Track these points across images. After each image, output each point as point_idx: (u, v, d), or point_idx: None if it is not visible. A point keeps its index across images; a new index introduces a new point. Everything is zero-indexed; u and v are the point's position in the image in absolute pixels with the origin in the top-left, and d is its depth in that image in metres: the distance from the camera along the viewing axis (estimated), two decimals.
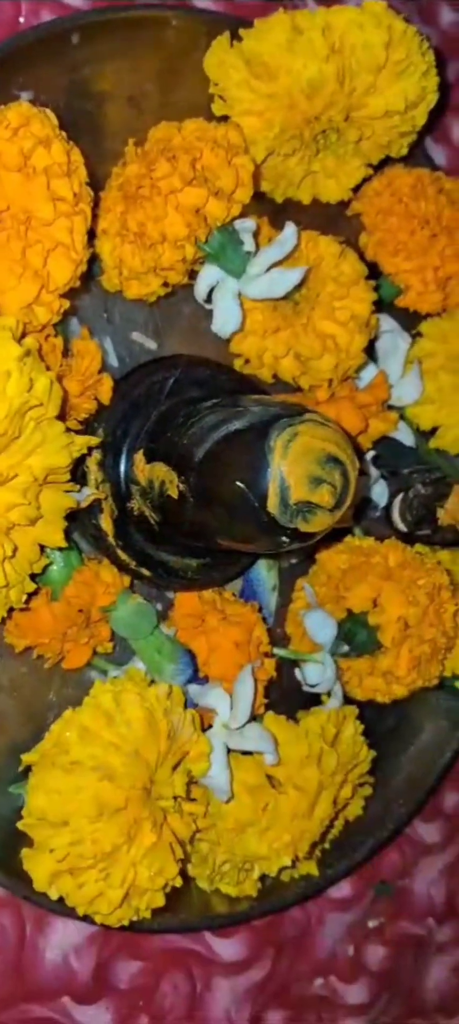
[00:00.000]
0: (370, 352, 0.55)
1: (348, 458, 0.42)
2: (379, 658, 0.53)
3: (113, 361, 0.51)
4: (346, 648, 0.53)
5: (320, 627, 0.52)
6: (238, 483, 0.41)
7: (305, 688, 0.53)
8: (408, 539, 0.56)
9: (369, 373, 0.56)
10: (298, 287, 0.50)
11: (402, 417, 0.58)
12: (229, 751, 0.48)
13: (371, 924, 0.64)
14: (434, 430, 0.59)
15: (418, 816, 0.63)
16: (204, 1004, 0.56)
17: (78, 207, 0.40)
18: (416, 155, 0.57)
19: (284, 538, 0.42)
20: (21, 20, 0.50)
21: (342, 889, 0.62)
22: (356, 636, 0.53)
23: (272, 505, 0.40)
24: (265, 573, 0.56)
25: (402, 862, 0.65)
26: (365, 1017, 0.63)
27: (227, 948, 0.57)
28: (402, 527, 0.56)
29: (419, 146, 0.56)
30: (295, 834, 0.49)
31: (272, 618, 0.56)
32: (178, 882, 0.44)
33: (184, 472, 0.44)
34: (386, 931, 0.65)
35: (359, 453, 0.51)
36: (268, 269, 0.49)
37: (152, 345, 0.52)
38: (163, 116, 0.49)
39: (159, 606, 0.52)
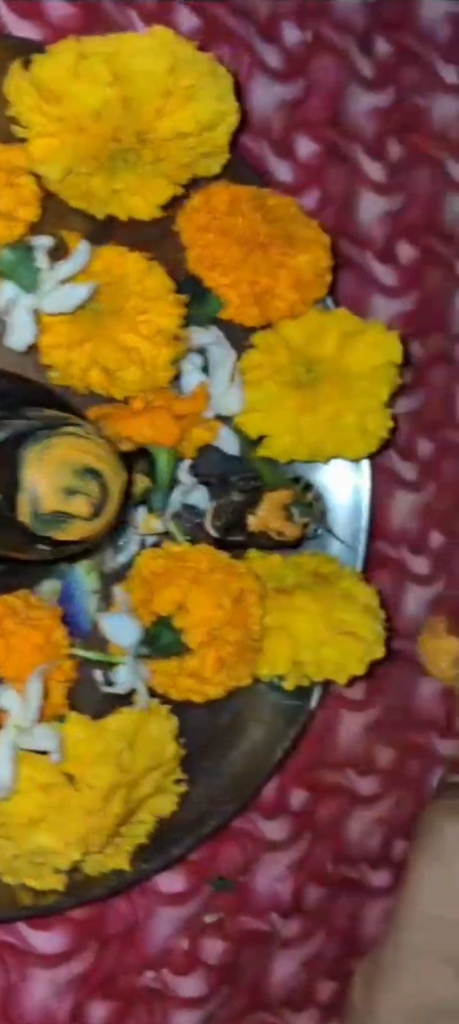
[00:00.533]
0: None
1: (110, 468, 0.44)
2: (187, 660, 0.55)
3: None
4: (146, 651, 0.54)
5: (119, 630, 0.54)
6: None
7: (103, 689, 0.54)
8: (226, 545, 0.58)
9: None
10: (91, 300, 0.51)
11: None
12: (19, 750, 0.50)
13: (208, 919, 0.65)
14: (262, 439, 0.61)
15: (249, 812, 0.65)
16: (19, 994, 0.58)
17: None
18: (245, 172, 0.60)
19: (42, 546, 0.44)
20: None
21: (174, 884, 0.64)
22: (160, 638, 0.55)
23: (23, 514, 0.42)
24: (84, 576, 0.58)
25: (243, 859, 0.67)
26: (202, 1010, 0.65)
27: (44, 940, 0.59)
28: (213, 533, 0.57)
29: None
30: (86, 829, 0.50)
31: (91, 621, 0.58)
32: None
33: None
34: (226, 926, 0.66)
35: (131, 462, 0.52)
36: (62, 283, 0.51)
37: None
38: None
39: None
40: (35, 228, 0.53)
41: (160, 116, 0.51)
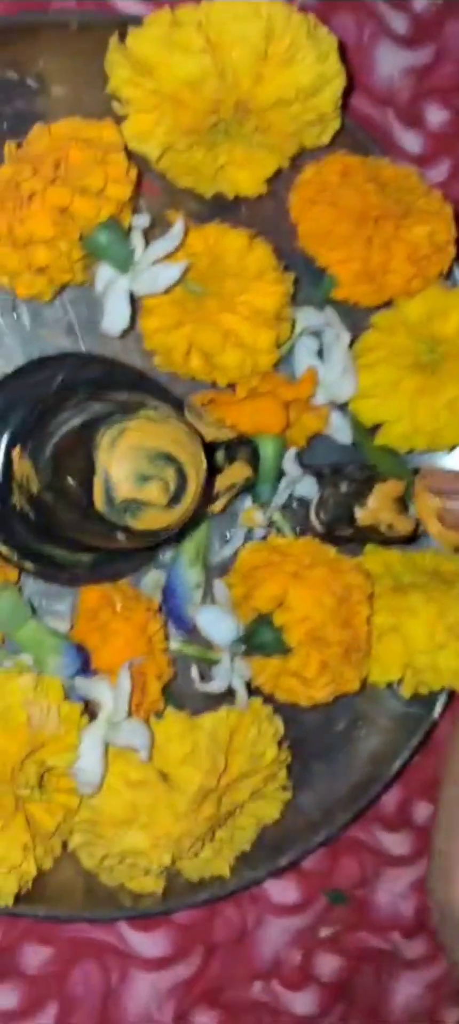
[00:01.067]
0: None
1: (188, 454, 0.42)
2: (289, 659, 0.52)
3: (21, 361, 0.52)
4: (243, 648, 0.52)
5: (213, 625, 0.52)
6: (69, 481, 0.42)
7: (198, 687, 0.52)
8: (335, 540, 0.55)
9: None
10: (194, 281, 0.50)
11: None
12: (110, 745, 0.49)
13: (323, 933, 0.62)
14: (378, 427, 0.57)
15: (370, 824, 0.62)
16: (120, 996, 0.56)
17: None
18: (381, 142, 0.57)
19: (120, 535, 0.42)
20: None
21: (287, 894, 0.61)
22: (259, 635, 0.52)
23: (98, 503, 0.41)
24: (187, 569, 0.56)
25: (362, 872, 0.63)
26: None
27: (147, 944, 0.57)
28: (318, 527, 0.54)
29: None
30: (178, 832, 0.49)
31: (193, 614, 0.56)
32: (30, 869, 0.45)
33: (38, 468, 0.45)
34: (342, 941, 0.63)
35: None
36: (154, 264, 0.49)
37: (64, 345, 0.53)
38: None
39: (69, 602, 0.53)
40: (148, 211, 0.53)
41: (259, 82, 0.48)
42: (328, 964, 0.62)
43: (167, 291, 0.49)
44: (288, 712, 0.57)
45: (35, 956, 0.55)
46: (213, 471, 0.53)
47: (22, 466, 0.47)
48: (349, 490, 0.54)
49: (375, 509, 0.54)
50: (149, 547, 0.48)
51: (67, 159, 0.46)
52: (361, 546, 0.58)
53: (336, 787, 0.59)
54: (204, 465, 0.43)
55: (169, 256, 0.49)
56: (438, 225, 0.54)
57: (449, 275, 0.58)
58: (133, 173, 0.48)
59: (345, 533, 0.54)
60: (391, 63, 0.63)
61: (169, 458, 0.41)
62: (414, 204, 0.54)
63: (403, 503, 0.55)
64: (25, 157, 0.47)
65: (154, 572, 0.56)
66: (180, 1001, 0.58)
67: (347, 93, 0.60)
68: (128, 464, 0.40)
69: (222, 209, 0.56)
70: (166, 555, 0.56)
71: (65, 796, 0.47)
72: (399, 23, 0.64)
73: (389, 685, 0.58)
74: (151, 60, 0.47)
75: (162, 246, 0.49)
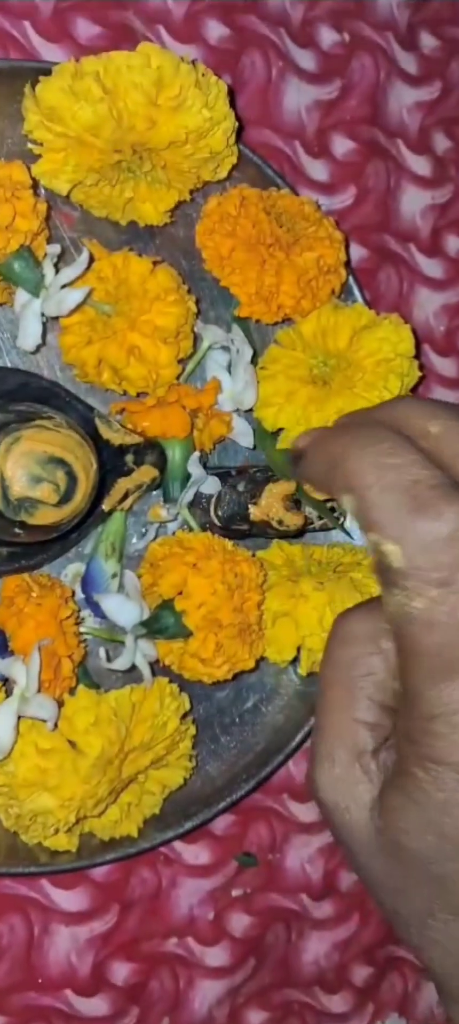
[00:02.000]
0: None
1: (77, 459, 0.48)
2: (189, 642, 0.58)
3: None
4: (145, 631, 0.58)
5: (118, 610, 0.58)
6: None
7: (105, 666, 0.58)
8: (233, 534, 0.61)
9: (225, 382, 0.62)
10: (102, 302, 0.56)
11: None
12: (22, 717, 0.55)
13: (235, 893, 0.68)
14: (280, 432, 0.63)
15: (280, 794, 0.67)
16: (42, 947, 0.62)
17: None
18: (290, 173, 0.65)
19: (17, 530, 0.48)
20: None
21: (199, 856, 0.67)
22: (162, 619, 0.58)
23: None
24: (103, 562, 0.62)
25: (271, 838, 0.69)
26: (227, 980, 0.68)
27: (66, 899, 0.63)
28: (216, 522, 0.60)
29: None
30: (81, 794, 0.54)
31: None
32: None
33: None
34: (252, 901, 0.69)
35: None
36: (63, 287, 0.55)
37: None
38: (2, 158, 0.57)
39: None
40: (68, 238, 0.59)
41: (152, 126, 0.54)
42: (240, 922, 0.68)
43: (75, 312, 0.55)
44: (201, 691, 0.63)
45: None
46: (123, 472, 0.59)
47: None
48: (245, 489, 0.60)
49: (266, 506, 0.60)
50: (51, 539, 0.54)
51: None
52: (269, 540, 0.64)
53: (243, 757, 0.65)
54: (95, 468, 0.49)
55: (78, 280, 0.55)
56: (326, 251, 0.60)
57: (348, 293, 0.64)
58: (41, 208, 0.54)
59: (241, 528, 0.60)
60: (298, 98, 0.69)
61: (60, 462, 0.47)
62: (305, 231, 0.60)
63: (295, 501, 0.61)
64: None
65: (75, 564, 0.62)
66: (98, 952, 0.64)
67: (256, 125, 0.67)
68: (22, 467, 0.46)
69: (137, 236, 0.62)
70: (86, 548, 0.62)
71: None
72: (306, 60, 0.70)
73: (291, 664, 0.64)
74: (57, 107, 0.53)
75: (70, 272, 0.55)
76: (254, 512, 0.60)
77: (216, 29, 0.67)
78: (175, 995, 0.66)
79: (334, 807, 0.42)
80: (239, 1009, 0.68)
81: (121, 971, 0.65)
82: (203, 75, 0.54)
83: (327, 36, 0.70)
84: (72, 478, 0.47)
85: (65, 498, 0.47)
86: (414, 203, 0.72)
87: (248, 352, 0.62)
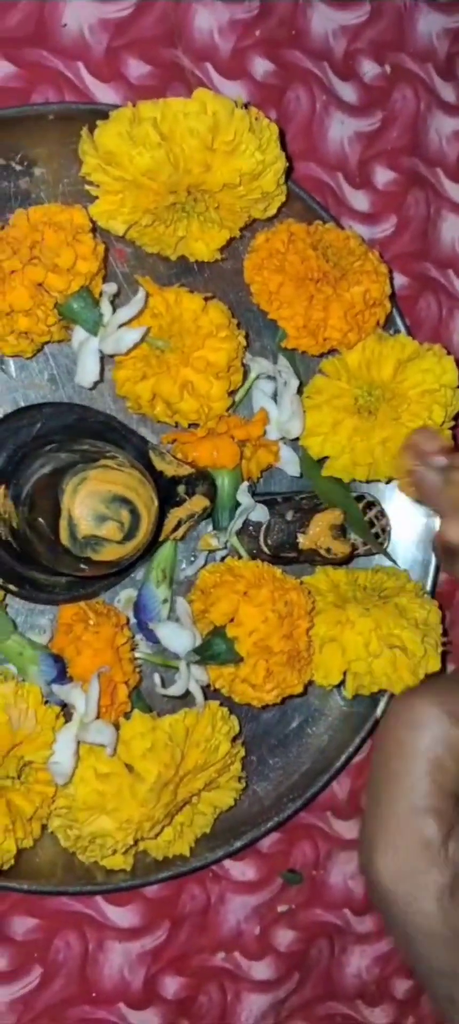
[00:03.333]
0: None
1: (139, 498, 0.49)
2: (240, 668, 0.60)
3: (7, 407, 0.60)
4: (198, 657, 0.59)
5: (172, 638, 0.59)
6: (39, 520, 0.50)
7: (159, 691, 0.60)
8: (282, 561, 0.63)
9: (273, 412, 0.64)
10: (157, 338, 0.57)
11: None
12: (82, 743, 0.56)
13: (280, 909, 0.70)
14: (325, 459, 0.65)
15: (325, 812, 0.69)
16: (97, 962, 0.64)
17: None
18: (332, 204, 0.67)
19: (83, 565, 0.50)
20: None
21: (246, 873, 0.68)
22: (214, 646, 0.60)
23: (63, 539, 0.49)
24: (154, 588, 0.63)
25: (315, 855, 0.71)
26: (272, 993, 0.70)
27: (120, 915, 0.65)
28: (265, 550, 0.62)
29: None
30: (138, 816, 0.56)
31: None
32: (10, 847, 0.53)
33: (18, 507, 0.53)
34: (297, 916, 0.70)
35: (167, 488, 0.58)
36: (120, 327, 0.57)
37: (46, 392, 0.61)
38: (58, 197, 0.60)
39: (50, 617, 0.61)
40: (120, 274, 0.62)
41: (208, 170, 0.55)
42: (285, 937, 0.70)
43: (131, 350, 0.57)
44: (247, 712, 0.65)
45: (22, 925, 0.63)
46: (176, 503, 0.61)
47: (5, 504, 0.55)
48: (293, 518, 0.62)
49: (314, 536, 0.61)
50: (114, 573, 0.55)
51: (43, 240, 0.54)
52: (312, 565, 0.66)
53: (289, 777, 0.67)
54: (156, 505, 0.51)
55: (134, 319, 0.57)
56: (372, 284, 0.61)
57: (389, 320, 0.66)
58: (100, 249, 0.56)
59: (290, 555, 0.62)
60: (341, 130, 0.71)
61: (124, 501, 0.49)
62: (352, 266, 0.62)
63: (341, 529, 0.62)
64: (6, 239, 0.54)
65: (128, 590, 0.63)
66: (149, 967, 0.66)
67: (301, 159, 0.68)
68: (88, 507, 0.48)
69: (187, 270, 0.64)
70: (138, 574, 0.64)
71: (42, 786, 0.55)
72: (349, 93, 0.71)
73: (336, 688, 0.65)
74: (115, 152, 0.55)
75: (126, 312, 0.56)
76: (303, 541, 0.61)
77: (262, 65, 0.68)
78: (223, 1008, 0.68)
79: (399, 897, 0.43)
80: (283, 1022, 0.70)
81: (171, 985, 0.67)
82: (256, 119, 0.56)
83: (369, 68, 0.71)
84: (135, 515, 0.49)
85: (129, 535, 0.49)
86: (453, 231, 0.74)
87: (294, 383, 0.64)
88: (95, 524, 0.48)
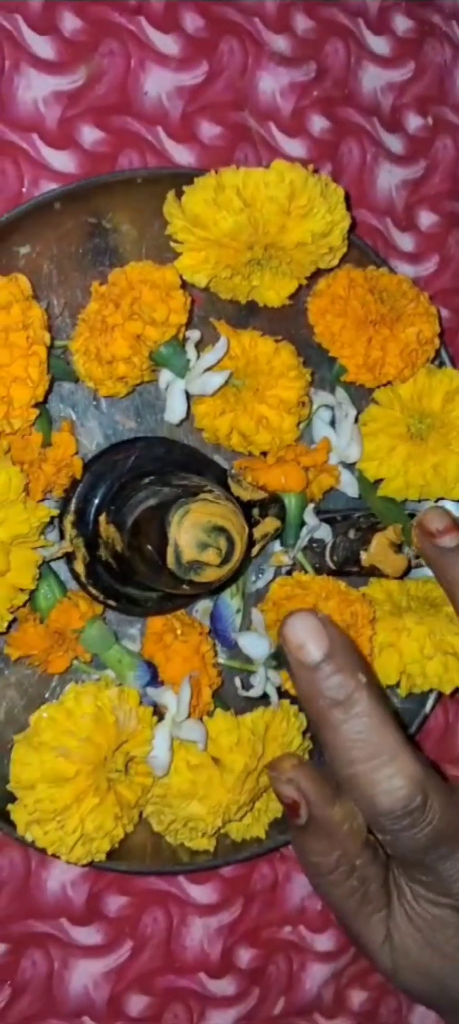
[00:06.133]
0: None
1: (234, 526, 0.57)
2: None
3: (100, 439, 0.67)
4: (274, 663, 0.67)
5: (252, 646, 0.67)
6: (148, 547, 0.57)
7: (241, 693, 0.67)
8: (345, 574, 0.70)
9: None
10: (224, 384, 0.64)
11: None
12: (175, 739, 0.64)
13: None
14: (380, 481, 0.72)
15: None
16: (180, 936, 0.72)
17: (31, 349, 0.57)
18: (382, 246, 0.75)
19: (185, 586, 0.57)
20: (23, 190, 0.67)
21: None
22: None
23: (170, 563, 0.56)
24: (229, 600, 0.71)
25: None
26: (333, 963, 0.77)
27: (200, 892, 0.72)
28: (331, 566, 0.69)
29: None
30: (226, 802, 0.63)
31: (235, 636, 0.71)
32: (119, 833, 0.60)
33: (122, 533, 0.60)
34: None
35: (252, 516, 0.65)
36: (205, 371, 0.64)
37: (132, 425, 0.68)
38: (143, 255, 0.67)
39: (138, 627, 0.68)
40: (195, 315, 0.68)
41: (283, 231, 0.62)
42: None
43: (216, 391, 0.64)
44: None
45: (115, 903, 0.70)
46: (251, 524, 0.68)
47: (107, 529, 0.62)
48: (356, 537, 0.69)
49: (375, 553, 0.68)
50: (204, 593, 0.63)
51: (141, 297, 0.61)
52: (367, 577, 0.73)
53: None
54: (246, 532, 0.58)
55: (217, 364, 0.64)
56: (424, 325, 0.68)
57: (436, 355, 0.73)
58: (188, 302, 0.63)
59: (352, 570, 0.69)
60: (389, 179, 0.78)
61: (222, 530, 0.56)
62: (405, 308, 0.69)
63: (398, 546, 0.69)
64: (108, 295, 0.61)
65: (204, 601, 0.71)
66: (226, 939, 0.73)
67: (354, 207, 0.75)
68: (191, 535, 0.55)
69: (253, 311, 0.71)
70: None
71: (143, 777, 0.62)
72: (395, 144, 0.78)
73: (389, 687, 0.73)
74: (201, 215, 0.62)
75: (211, 358, 0.63)
76: (365, 558, 0.69)
77: (318, 122, 0.75)
78: (289, 977, 0.76)
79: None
80: (343, 989, 0.77)
81: (245, 956, 0.74)
82: (326, 185, 0.63)
83: (413, 121, 0.79)
84: (231, 542, 0.56)
85: (225, 559, 0.56)
86: None
87: (353, 413, 0.71)
88: (198, 551, 0.55)
